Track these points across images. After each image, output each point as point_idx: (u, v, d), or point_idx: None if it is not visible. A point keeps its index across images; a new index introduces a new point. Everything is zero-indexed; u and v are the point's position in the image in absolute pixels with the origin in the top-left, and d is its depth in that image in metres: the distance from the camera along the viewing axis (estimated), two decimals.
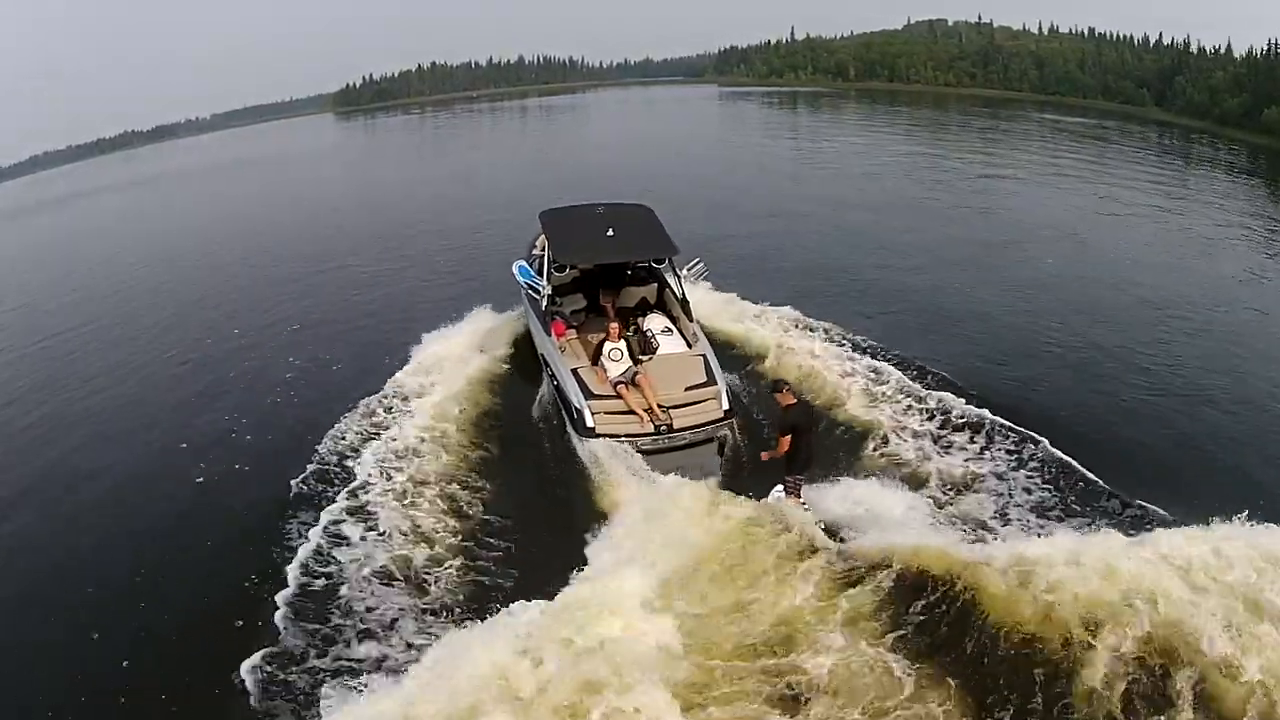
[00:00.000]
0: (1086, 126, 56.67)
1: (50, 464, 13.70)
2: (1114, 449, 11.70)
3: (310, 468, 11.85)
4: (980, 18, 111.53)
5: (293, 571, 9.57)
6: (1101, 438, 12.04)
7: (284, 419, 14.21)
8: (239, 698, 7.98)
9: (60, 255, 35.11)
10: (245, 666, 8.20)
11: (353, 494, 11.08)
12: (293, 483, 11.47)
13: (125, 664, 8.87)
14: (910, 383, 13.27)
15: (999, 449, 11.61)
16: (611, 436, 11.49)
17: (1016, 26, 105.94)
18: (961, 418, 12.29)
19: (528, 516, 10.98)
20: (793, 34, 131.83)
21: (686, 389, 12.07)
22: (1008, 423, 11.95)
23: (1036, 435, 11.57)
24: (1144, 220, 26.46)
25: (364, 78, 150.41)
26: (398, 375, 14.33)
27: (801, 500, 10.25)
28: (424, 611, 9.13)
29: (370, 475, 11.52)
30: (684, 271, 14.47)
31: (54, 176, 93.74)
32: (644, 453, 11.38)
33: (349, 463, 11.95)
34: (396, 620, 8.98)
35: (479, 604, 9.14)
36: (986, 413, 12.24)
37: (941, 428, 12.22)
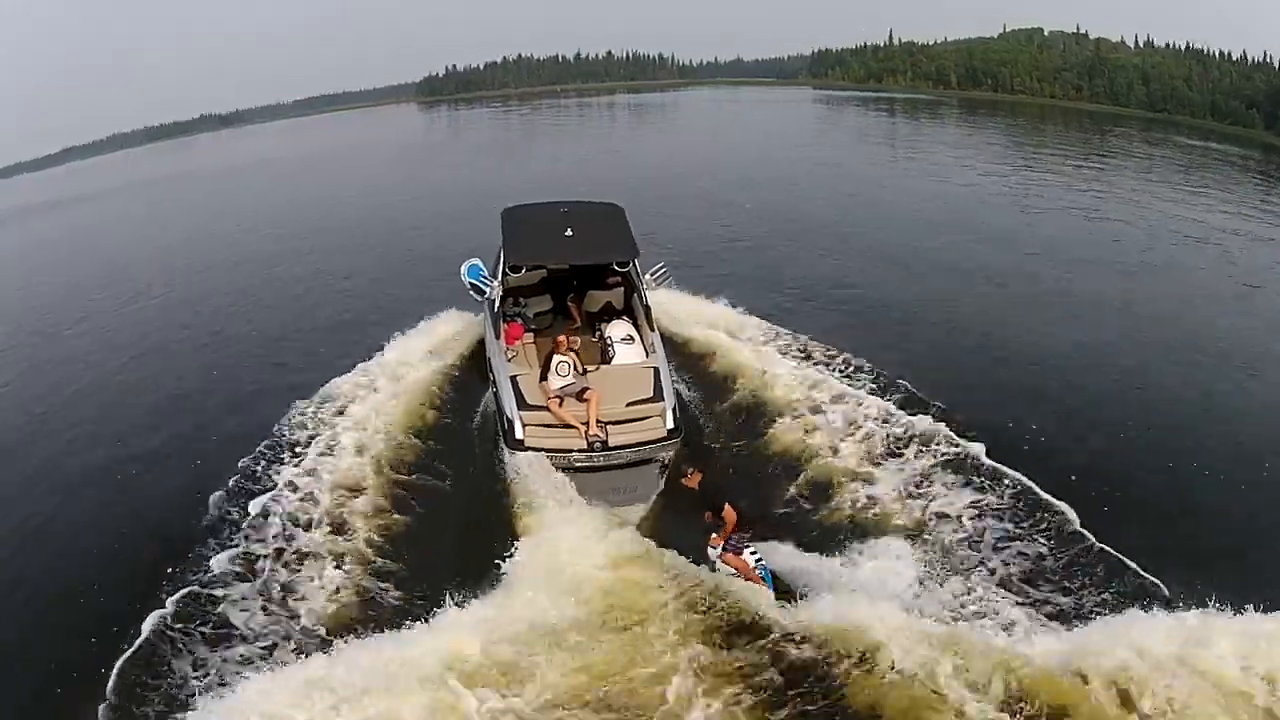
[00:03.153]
0: (1219, 151, 52.60)
1: None
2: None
3: (229, 478, 11.58)
4: (1079, 28, 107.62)
5: (188, 576, 9.47)
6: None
7: (221, 414, 14.32)
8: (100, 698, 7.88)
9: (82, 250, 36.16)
10: (113, 674, 8.10)
11: (265, 503, 10.81)
12: (212, 496, 11.15)
13: None
14: (894, 410, 12.30)
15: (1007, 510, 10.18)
16: (540, 450, 11.04)
17: (1114, 38, 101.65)
18: (953, 461, 11.11)
19: (431, 534, 10.60)
20: (891, 37, 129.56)
21: (628, 404, 11.53)
22: (1033, 487, 10.37)
23: (1062, 507, 9.97)
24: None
25: (448, 67, 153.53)
26: (337, 380, 14.07)
27: (753, 560, 9.29)
28: (275, 633, 8.82)
29: (287, 483, 11.27)
30: (646, 276, 13.93)
31: (117, 160, 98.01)
32: (574, 470, 10.91)
33: (269, 468, 11.75)
34: (255, 637, 8.73)
35: (327, 633, 8.83)
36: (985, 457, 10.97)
37: (926, 472, 11.05)
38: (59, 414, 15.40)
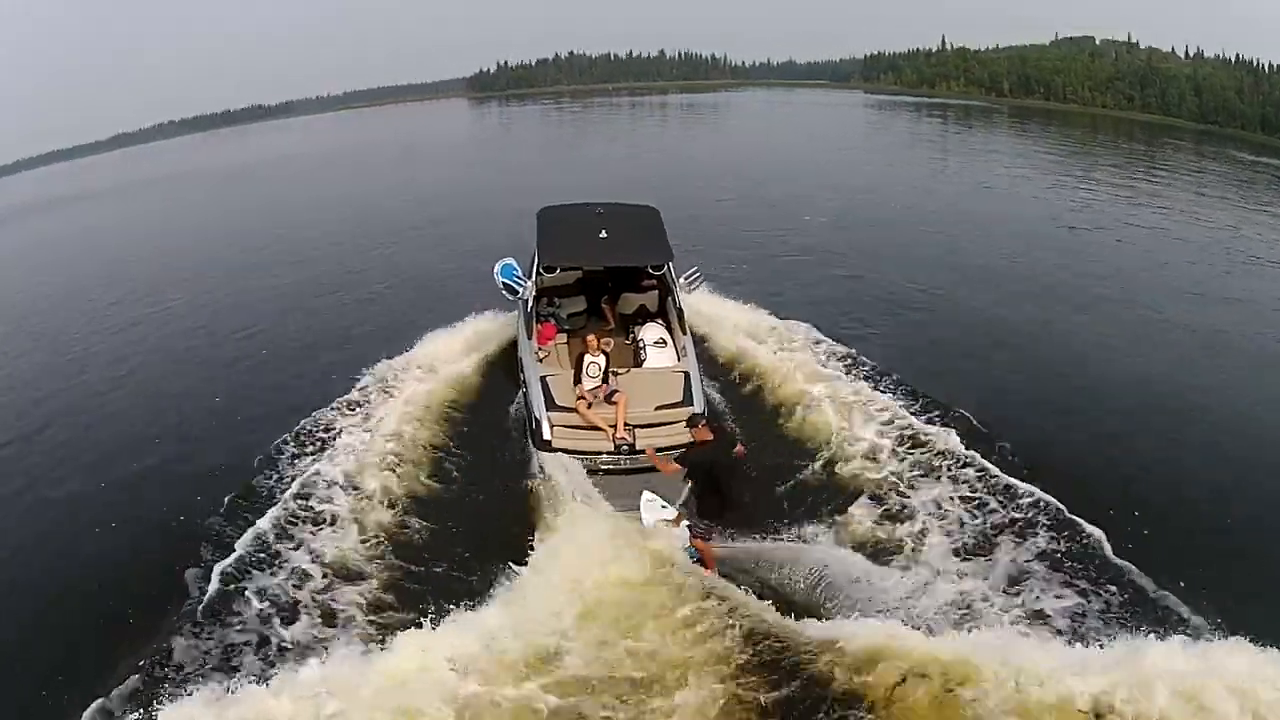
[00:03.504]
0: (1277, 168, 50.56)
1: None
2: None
3: (256, 466, 11.93)
4: (1130, 37, 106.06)
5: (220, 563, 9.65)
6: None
7: (250, 404, 14.68)
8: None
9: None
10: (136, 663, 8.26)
11: (294, 495, 11.01)
12: (238, 482, 11.50)
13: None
14: (922, 424, 12.12)
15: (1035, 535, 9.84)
16: (567, 452, 11.12)
17: (1164, 48, 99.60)
18: (986, 483, 10.73)
19: (454, 531, 10.73)
20: (944, 43, 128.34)
21: (657, 408, 11.56)
22: (1062, 508, 10.01)
23: (1095, 533, 9.58)
24: None
25: (499, 63, 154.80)
26: (370, 374, 14.31)
27: (713, 551, 9.54)
28: (291, 622, 9.00)
29: (314, 472, 11.50)
30: (680, 280, 13.96)
31: (170, 147, 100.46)
32: (600, 473, 10.98)
33: (298, 457, 12.06)
34: (281, 623, 8.92)
35: (349, 628, 8.96)
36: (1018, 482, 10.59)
37: (956, 494, 10.74)
38: (115, 396, 16.10)
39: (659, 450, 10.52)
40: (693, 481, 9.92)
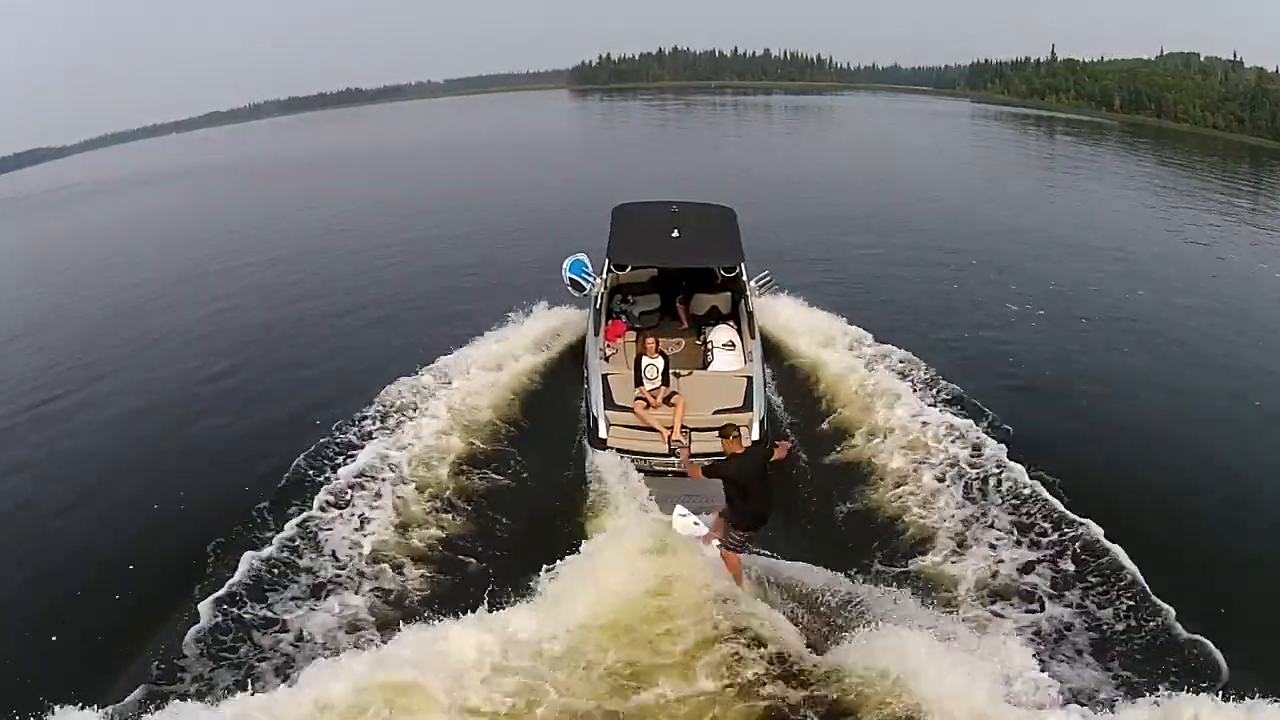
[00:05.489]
0: None
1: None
2: None
3: (320, 441, 12.41)
4: (1235, 55, 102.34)
5: (274, 538, 10.10)
6: None
7: (311, 392, 15.11)
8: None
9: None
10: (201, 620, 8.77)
11: (348, 483, 11.30)
12: (298, 458, 11.96)
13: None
14: (989, 455, 11.65)
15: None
16: (621, 451, 11.25)
17: (1270, 68, 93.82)
18: (1045, 516, 10.38)
19: (505, 524, 10.94)
20: (1053, 53, 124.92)
21: (715, 411, 11.56)
22: (1108, 546, 9.70)
23: (1134, 569, 9.34)
24: None
25: (601, 56, 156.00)
26: (439, 361, 14.63)
27: (743, 562, 9.39)
28: (346, 611, 9.28)
29: (376, 454, 11.85)
30: (752, 283, 13.96)
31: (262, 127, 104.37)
32: (652, 474, 11.06)
33: (361, 441, 12.43)
34: (323, 610, 9.23)
35: (400, 613, 9.19)
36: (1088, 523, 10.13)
37: (1014, 525, 10.42)
38: (191, 362, 17.24)
39: (693, 455, 10.67)
40: (731, 491, 9.70)
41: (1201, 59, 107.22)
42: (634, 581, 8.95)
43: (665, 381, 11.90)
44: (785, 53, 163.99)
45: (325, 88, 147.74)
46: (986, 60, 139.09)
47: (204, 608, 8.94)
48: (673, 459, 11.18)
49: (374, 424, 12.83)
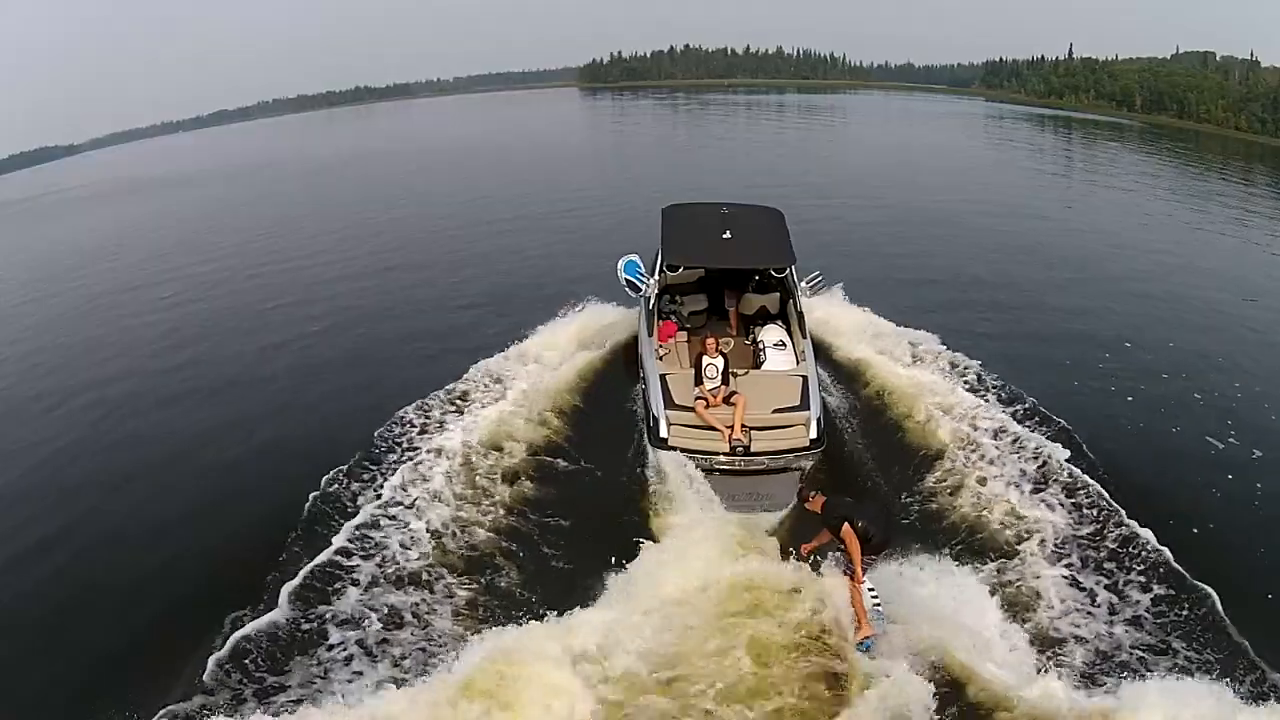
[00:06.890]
0: None
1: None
2: None
3: (375, 440, 12.59)
4: (1252, 55, 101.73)
5: (335, 540, 10.24)
6: None
7: (363, 390, 15.37)
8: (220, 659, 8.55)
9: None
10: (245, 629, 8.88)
11: (402, 482, 11.47)
12: (353, 457, 12.13)
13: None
14: (1061, 462, 11.58)
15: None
16: (684, 451, 11.32)
17: None
18: (1104, 526, 10.41)
19: (567, 524, 11.05)
20: (1071, 52, 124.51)
21: (774, 411, 11.69)
22: (1173, 563, 9.69)
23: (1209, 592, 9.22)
24: None
25: (612, 54, 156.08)
26: (489, 359, 14.80)
27: (868, 587, 8.99)
28: (411, 610, 9.44)
29: (431, 450, 12.13)
30: (802, 284, 14.08)
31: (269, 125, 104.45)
32: (716, 473, 11.16)
33: (417, 437, 12.68)
34: (381, 614, 9.34)
35: (470, 615, 9.39)
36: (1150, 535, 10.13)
37: (1074, 536, 10.40)
38: (252, 349, 17.98)
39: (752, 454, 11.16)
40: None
41: (1218, 58, 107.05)
42: (709, 578, 9.16)
43: (725, 381, 12.01)
44: (798, 50, 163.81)
45: (334, 86, 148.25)
46: (1001, 59, 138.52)
47: (282, 600, 9.21)
48: (735, 458, 11.25)
49: (428, 420, 13.07)
